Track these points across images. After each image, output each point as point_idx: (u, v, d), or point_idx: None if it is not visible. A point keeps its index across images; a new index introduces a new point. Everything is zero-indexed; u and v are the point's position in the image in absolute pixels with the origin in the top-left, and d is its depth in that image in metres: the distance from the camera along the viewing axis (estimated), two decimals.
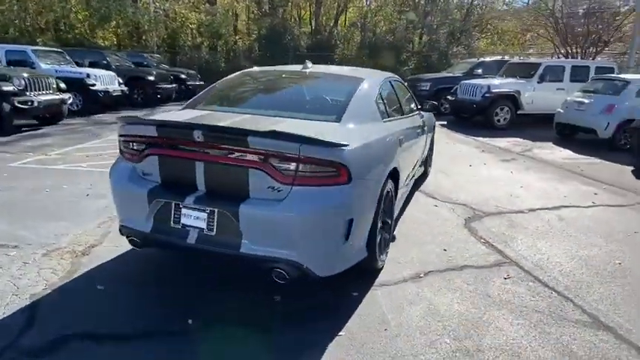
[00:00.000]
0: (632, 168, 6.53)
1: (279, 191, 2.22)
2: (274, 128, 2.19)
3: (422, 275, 2.97)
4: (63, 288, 2.69)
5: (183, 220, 2.37)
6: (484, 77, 11.50)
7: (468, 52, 22.84)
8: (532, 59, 15.44)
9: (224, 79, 3.55)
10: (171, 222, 2.40)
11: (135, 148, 2.56)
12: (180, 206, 2.37)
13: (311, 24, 25.17)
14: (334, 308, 2.56)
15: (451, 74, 13.16)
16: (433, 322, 2.43)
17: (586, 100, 8.41)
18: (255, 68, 4.08)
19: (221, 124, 2.40)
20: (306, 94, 3.26)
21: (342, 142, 2.24)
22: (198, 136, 2.26)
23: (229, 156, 2.27)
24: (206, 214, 2.31)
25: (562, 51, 16.40)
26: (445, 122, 11.01)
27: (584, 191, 5.25)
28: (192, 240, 2.35)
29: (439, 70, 16.48)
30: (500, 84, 10.38)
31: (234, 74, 3.65)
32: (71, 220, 3.79)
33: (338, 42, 23.70)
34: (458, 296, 2.71)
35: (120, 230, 2.68)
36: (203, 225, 2.32)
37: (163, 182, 2.47)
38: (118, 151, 2.74)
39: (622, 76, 8.88)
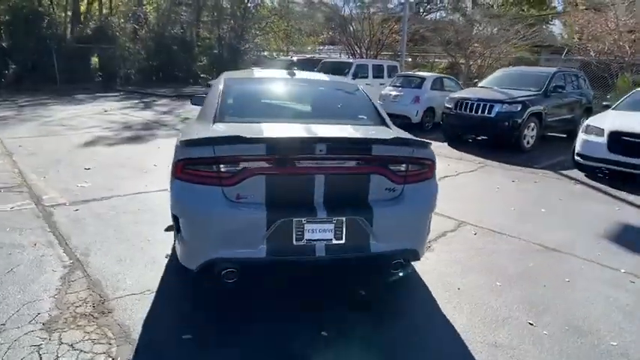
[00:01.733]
0: (446, 143, 8.91)
1: (394, 191, 2.56)
2: (359, 136, 2.52)
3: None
4: None
5: (308, 236, 2.40)
6: None
7: (256, 50, 24.36)
8: (344, 59, 17.87)
9: (224, 87, 3.33)
10: (294, 240, 2.38)
11: (227, 170, 2.36)
12: (303, 222, 2.38)
13: (73, 9, 21.67)
14: None
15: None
16: None
17: (398, 93, 10.73)
18: (236, 74, 3.90)
19: (318, 135, 2.52)
20: (331, 101, 3.48)
21: (430, 142, 2.73)
22: (321, 149, 2.35)
23: (350, 165, 2.45)
24: (333, 225, 2.42)
25: (351, 51, 19.75)
26: None
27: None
28: (322, 252, 2.42)
29: (237, 68, 17.31)
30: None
31: (226, 82, 3.46)
32: None
33: (117, 33, 21.30)
34: None
35: (206, 266, 2.41)
36: (330, 236, 2.43)
37: (271, 202, 2.39)
38: (182, 176, 2.42)
39: (420, 73, 11.70)
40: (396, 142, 2.46)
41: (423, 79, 10.76)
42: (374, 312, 2.74)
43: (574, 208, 5.04)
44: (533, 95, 8.43)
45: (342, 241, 2.44)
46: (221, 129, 2.70)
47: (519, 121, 7.90)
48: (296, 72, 3.74)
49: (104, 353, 2.23)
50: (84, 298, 2.75)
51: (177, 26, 23.05)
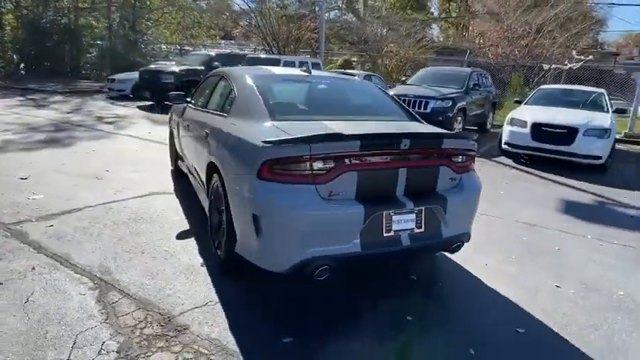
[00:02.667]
0: None
1: (455, 180, 2.83)
2: (430, 131, 2.77)
3: None
4: None
5: (395, 227, 2.54)
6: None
7: (155, 42, 22.76)
8: (274, 55, 17.48)
9: (257, 85, 3.24)
10: (383, 232, 2.51)
11: (320, 167, 2.38)
12: (391, 214, 2.52)
13: None
14: None
15: (191, 66, 13.42)
16: None
17: None
18: (253, 71, 3.76)
19: (387, 131, 2.69)
20: (360, 98, 3.59)
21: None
22: (405, 144, 2.51)
23: (427, 158, 2.66)
24: (414, 215, 2.60)
25: (266, 47, 19.54)
26: None
27: None
28: (407, 242, 2.58)
29: (134, 62, 16.35)
30: None
31: (254, 79, 3.36)
32: None
33: None
34: None
35: (301, 266, 2.41)
36: (412, 225, 2.60)
37: (362, 197, 2.48)
38: (270, 176, 2.38)
39: (350, 71, 12.21)
40: (460, 135, 2.74)
41: (354, 77, 11.29)
42: (434, 292, 2.99)
43: (522, 189, 5.91)
44: (458, 92, 9.48)
45: (422, 230, 2.64)
46: (290, 127, 2.67)
47: (451, 115, 8.83)
48: (311, 70, 3.79)
49: None
50: (143, 318, 2.51)
51: (52, 11, 20.37)
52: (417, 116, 3.50)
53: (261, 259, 2.55)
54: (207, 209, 3.49)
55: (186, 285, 2.90)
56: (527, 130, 7.44)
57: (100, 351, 2.22)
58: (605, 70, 14.89)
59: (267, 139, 2.41)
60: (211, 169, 3.20)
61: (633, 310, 2.92)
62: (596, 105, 8.22)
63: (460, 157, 2.83)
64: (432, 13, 38.93)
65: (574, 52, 11.85)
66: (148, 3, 23.39)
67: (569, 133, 7.07)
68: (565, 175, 6.79)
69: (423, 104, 8.93)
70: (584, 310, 2.88)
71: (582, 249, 3.92)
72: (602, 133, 7.02)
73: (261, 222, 2.44)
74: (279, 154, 2.37)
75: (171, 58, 20.51)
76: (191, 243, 3.57)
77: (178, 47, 24.92)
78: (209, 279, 2.99)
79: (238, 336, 2.39)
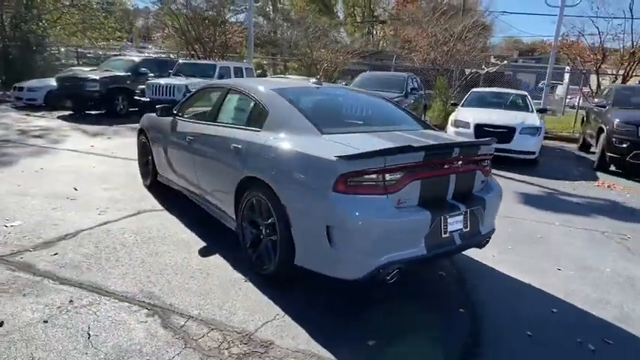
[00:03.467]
0: None
1: (483, 182, 3.22)
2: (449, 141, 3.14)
3: None
4: None
5: (450, 228, 2.83)
6: (160, 76, 12.11)
7: (50, 43, 20.62)
8: (204, 61, 16.77)
9: (288, 99, 3.31)
10: (442, 234, 2.79)
11: (391, 178, 2.59)
12: (447, 217, 2.81)
13: None
14: None
15: (117, 72, 12.59)
16: None
17: None
18: (274, 83, 3.76)
19: (432, 142, 2.99)
20: (379, 110, 3.81)
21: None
22: (456, 152, 2.83)
23: (468, 164, 2.99)
24: (462, 216, 2.92)
25: (190, 52, 18.72)
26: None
27: None
28: (459, 241, 2.89)
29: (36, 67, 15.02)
30: (193, 83, 11.42)
31: (281, 92, 3.43)
32: None
33: None
34: None
35: (377, 272, 2.59)
36: (461, 225, 2.92)
37: (422, 203, 2.73)
38: (345, 189, 2.54)
39: (293, 77, 12.32)
40: (489, 142, 3.11)
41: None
42: (467, 285, 3.35)
43: None
44: (399, 96, 10.16)
45: (468, 229, 2.97)
46: (348, 140, 2.83)
47: None
48: (322, 82, 3.96)
49: None
50: (222, 339, 2.51)
51: None
52: (431, 125, 3.84)
53: (334, 268, 2.68)
54: (234, 225, 3.49)
55: (243, 301, 2.92)
56: (471, 130, 8.27)
57: None
58: (499, 72, 17.01)
59: (342, 154, 2.56)
60: (245, 184, 3.22)
61: (624, 283, 3.56)
62: (521, 106, 9.39)
63: (486, 161, 3.22)
64: (339, 17, 40.56)
65: (492, 58, 13.38)
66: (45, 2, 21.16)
67: (508, 132, 8.02)
68: (506, 169, 7.69)
69: None
70: (590, 287, 3.44)
71: (558, 235, 4.59)
72: (535, 131, 8.09)
73: (336, 233, 2.57)
74: (356, 167, 2.53)
75: (81, 63, 18.84)
76: (218, 259, 3.53)
77: (77, 50, 22.86)
78: (260, 293, 3.02)
79: (325, 344, 2.49)
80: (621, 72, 12.00)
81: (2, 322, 2.54)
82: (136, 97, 11.50)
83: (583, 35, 12.56)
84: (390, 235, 2.59)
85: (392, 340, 2.59)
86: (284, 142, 2.96)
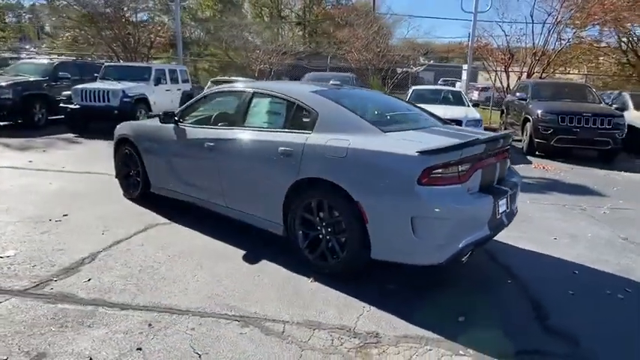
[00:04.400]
0: None
1: (510, 169, 3.64)
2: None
3: None
4: None
5: (500, 210, 3.19)
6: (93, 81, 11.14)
7: None
8: (139, 64, 15.32)
9: (333, 100, 3.39)
10: (496, 215, 3.13)
11: (463, 169, 2.85)
12: (499, 200, 3.16)
13: None
14: None
15: (30, 77, 11.22)
16: None
17: None
18: (310, 87, 3.74)
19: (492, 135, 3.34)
20: (403, 109, 4.00)
21: None
22: (500, 143, 3.19)
23: (503, 153, 3.37)
24: (506, 198, 3.29)
25: (108, 54, 17.05)
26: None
27: None
28: (505, 220, 3.27)
29: None
30: (130, 87, 10.68)
31: (323, 94, 3.50)
32: None
33: None
34: None
35: (459, 254, 2.85)
36: (505, 207, 3.29)
37: (481, 189, 3.04)
38: (428, 181, 2.75)
39: (235, 78, 12.03)
40: (511, 135, 3.54)
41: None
42: (499, 261, 3.76)
43: None
44: None
45: (508, 210, 3.35)
46: (414, 137, 3.05)
47: None
48: (340, 83, 4.10)
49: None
50: (330, 337, 2.56)
51: None
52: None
53: (417, 256, 2.87)
54: (281, 229, 3.49)
55: (323, 300, 2.97)
56: None
57: None
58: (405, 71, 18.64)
59: (422, 150, 2.75)
60: (300, 186, 3.26)
61: (607, 244, 4.25)
62: (459, 101, 10.36)
63: (509, 150, 3.64)
64: (247, 17, 40.32)
65: (421, 58, 14.48)
66: None
67: (455, 125, 8.80)
68: None
69: None
70: (586, 250, 4.06)
71: (535, 211, 5.27)
72: (477, 123, 9.00)
73: (421, 223, 2.77)
74: (437, 161, 2.74)
75: None
76: (269, 265, 3.49)
77: None
78: (333, 290, 3.09)
79: (422, 325, 2.68)
80: (525, 69, 13.82)
81: (90, 358, 2.31)
82: (61, 105, 10.33)
83: (493, 37, 14.21)
84: (468, 220, 2.85)
85: (476, 314, 2.85)
86: (352, 143, 3.04)
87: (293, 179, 3.28)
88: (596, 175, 7.61)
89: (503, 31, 13.75)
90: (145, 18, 21.69)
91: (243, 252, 3.71)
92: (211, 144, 3.90)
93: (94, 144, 8.98)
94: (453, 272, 3.46)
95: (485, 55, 14.39)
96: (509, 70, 13.91)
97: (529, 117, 9.26)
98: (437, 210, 2.75)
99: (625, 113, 9.22)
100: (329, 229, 3.22)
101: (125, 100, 10.27)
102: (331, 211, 3.16)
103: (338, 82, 4.22)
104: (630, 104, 10.28)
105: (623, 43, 13.01)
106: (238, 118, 3.90)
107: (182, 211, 4.54)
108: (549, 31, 12.95)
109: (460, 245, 2.84)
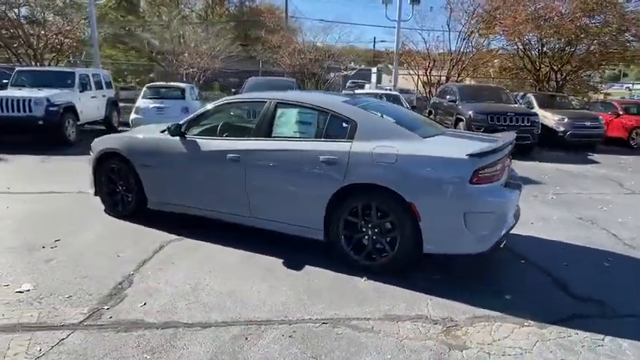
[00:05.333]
0: None
1: (513, 170, 4.22)
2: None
3: None
4: None
5: (516, 202, 3.73)
6: None
7: None
8: (59, 68, 13.39)
9: (368, 113, 3.64)
10: (515, 207, 3.67)
11: (499, 167, 3.33)
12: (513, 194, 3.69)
13: None
14: None
15: None
16: None
17: (161, 105, 10.45)
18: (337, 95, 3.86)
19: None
20: (415, 116, 4.36)
21: None
22: (513, 144, 3.75)
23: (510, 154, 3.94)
24: (519, 192, 3.81)
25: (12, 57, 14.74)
26: None
27: None
28: (518, 213, 3.82)
29: None
30: (54, 95, 9.70)
31: (353, 101, 3.73)
32: None
33: None
34: None
35: (499, 242, 3.32)
36: (517, 201, 3.83)
37: (505, 184, 3.55)
38: (478, 180, 3.17)
39: (174, 83, 11.46)
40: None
41: (182, 89, 10.93)
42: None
43: None
44: None
45: (518, 203, 3.92)
46: (445, 142, 3.49)
47: None
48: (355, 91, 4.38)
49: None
50: (423, 328, 2.85)
51: None
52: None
53: (467, 247, 3.27)
54: (321, 234, 3.67)
55: (398, 294, 3.22)
56: None
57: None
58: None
59: (471, 153, 3.16)
60: (345, 192, 3.48)
61: (572, 222, 5.11)
62: (398, 104, 11.15)
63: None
64: (144, 17, 38.18)
65: (352, 63, 15.20)
66: None
67: None
68: None
69: None
70: (560, 230, 4.85)
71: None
72: None
73: (472, 217, 3.18)
74: (483, 162, 3.17)
75: None
76: (315, 269, 3.61)
77: None
78: (390, 285, 3.36)
79: (481, 306, 3.09)
80: (442, 73, 15.32)
81: None
82: None
83: (413, 43, 15.50)
84: (506, 212, 3.34)
85: (515, 292, 3.34)
86: (400, 149, 3.33)
87: (338, 186, 3.48)
88: (528, 167, 8.84)
89: (423, 38, 15.08)
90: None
91: (280, 260, 3.79)
92: (236, 155, 3.91)
93: (21, 160, 8.02)
94: (472, 260, 3.93)
95: (408, 60, 15.63)
96: (430, 74, 15.31)
97: (462, 117, 10.37)
98: (485, 205, 3.19)
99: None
100: (376, 230, 3.48)
101: (51, 109, 9.31)
102: (379, 213, 3.43)
103: (351, 91, 4.49)
104: (535, 104, 12.02)
105: (520, 51, 15.13)
106: (263, 128, 3.94)
107: (183, 226, 4.43)
108: (462, 40, 14.56)
109: (501, 234, 3.31)
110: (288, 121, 4.04)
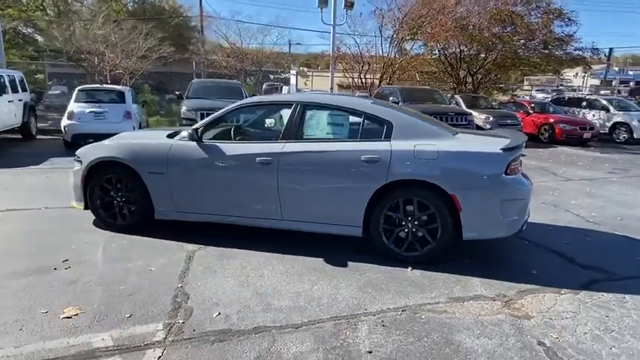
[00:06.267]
0: None
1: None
2: None
3: None
4: None
5: None
6: None
7: None
8: None
9: (402, 114, 3.90)
10: None
11: (520, 160, 3.84)
12: None
13: None
14: None
15: None
16: None
17: (99, 110, 9.67)
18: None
19: None
20: (428, 117, 4.69)
21: None
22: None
23: None
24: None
25: None
26: None
27: None
28: None
29: None
30: None
31: (383, 102, 3.95)
32: None
33: None
34: None
35: (524, 224, 3.82)
36: None
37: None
38: (509, 171, 3.64)
39: (113, 86, 10.54)
40: None
41: (121, 92, 10.21)
42: None
43: None
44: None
45: None
46: (473, 139, 3.91)
47: None
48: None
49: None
50: (479, 306, 3.21)
51: None
52: None
53: (501, 231, 3.71)
54: (359, 231, 3.88)
55: (451, 281, 3.55)
56: None
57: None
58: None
59: (504, 147, 3.61)
60: (388, 189, 3.73)
61: (544, 209, 5.90)
62: None
63: None
64: (25, 11, 34.48)
65: (292, 65, 15.27)
66: None
67: None
68: None
69: None
70: (537, 215, 5.59)
71: None
72: None
73: (507, 205, 3.63)
74: (514, 155, 3.64)
75: None
76: (360, 265, 3.79)
77: None
78: (438, 272, 3.69)
79: (518, 281, 3.56)
80: (371, 76, 16.21)
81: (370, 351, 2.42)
82: None
83: (348, 48, 16.17)
84: (529, 198, 3.84)
85: (538, 267, 3.87)
86: (439, 146, 3.67)
87: (381, 183, 3.72)
88: None
89: (356, 42, 15.81)
90: None
91: (319, 259, 3.91)
92: (267, 159, 3.93)
93: None
94: (485, 244, 4.43)
95: (343, 63, 16.25)
96: (366, 77, 16.10)
97: None
98: (516, 193, 3.66)
99: None
100: (416, 223, 3.78)
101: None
102: (420, 206, 3.73)
103: (364, 94, 4.72)
104: (463, 104, 13.35)
105: (442, 56, 16.64)
106: (292, 130, 4.01)
107: (195, 235, 4.36)
108: (391, 45, 15.56)
109: (525, 217, 3.81)
110: (318, 122, 4.16)
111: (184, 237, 4.31)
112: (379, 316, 2.99)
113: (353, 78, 16.30)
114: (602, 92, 27.56)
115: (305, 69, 27.19)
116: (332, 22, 14.41)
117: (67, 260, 3.78)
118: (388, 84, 15.54)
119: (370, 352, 2.58)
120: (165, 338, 2.67)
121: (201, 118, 9.45)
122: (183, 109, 9.84)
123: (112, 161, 4.38)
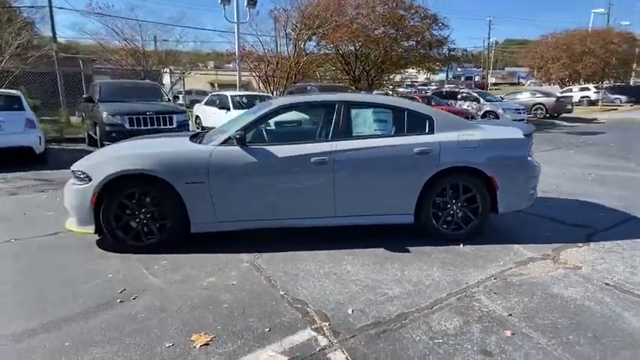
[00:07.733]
0: None
1: None
2: None
3: None
4: None
5: None
6: None
7: None
8: None
9: (438, 110, 4.29)
10: None
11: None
12: None
13: None
14: None
15: None
16: None
17: None
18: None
19: None
20: None
21: None
22: None
23: None
24: None
25: None
26: None
27: None
28: None
29: None
30: None
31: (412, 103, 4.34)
32: None
33: None
34: None
35: (535, 197, 4.65)
36: None
37: None
38: (528, 153, 4.40)
39: (6, 91, 8.65)
40: None
41: (15, 97, 8.65)
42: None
43: None
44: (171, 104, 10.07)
45: None
46: (492, 128, 4.53)
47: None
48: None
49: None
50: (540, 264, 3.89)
51: None
52: None
53: (525, 203, 4.43)
54: (410, 218, 4.27)
55: (502, 249, 4.13)
56: None
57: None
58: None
59: (525, 133, 4.34)
60: (438, 177, 4.18)
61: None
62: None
63: None
64: None
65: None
66: None
67: None
68: None
69: (168, 120, 9.08)
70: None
71: None
72: None
73: (530, 181, 4.38)
74: (531, 140, 4.41)
75: None
76: (417, 247, 4.16)
77: None
78: (487, 245, 4.27)
79: (549, 241, 4.36)
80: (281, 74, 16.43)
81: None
82: None
83: (252, 46, 16.00)
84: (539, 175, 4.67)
85: (547, 230, 4.72)
86: (477, 135, 4.23)
87: (433, 172, 4.14)
88: None
89: (260, 41, 15.80)
90: None
91: (380, 249, 4.15)
92: (322, 158, 4.03)
93: None
94: (501, 218, 5.18)
95: (248, 61, 16.03)
96: (274, 75, 16.18)
97: None
98: (535, 170, 4.43)
99: None
100: (459, 204, 4.31)
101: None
102: (464, 189, 4.27)
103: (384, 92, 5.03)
104: None
105: (339, 55, 17.65)
106: (342, 129, 4.16)
107: (228, 244, 4.27)
108: (294, 45, 15.95)
109: (537, 192, 4.63)
110: (364, 120, 4.37)
111: (224, 248, 4.12)
112: (482, 286, 3.42)
113: (259, 76, 16.28)
114: (446, 86, 32.46)
115: (172, 67, 25.86)
116: (236, 20, 14.20)
117: (124, 290, 3.35)
118: (293, 83, 15.93)
119: (510, 315, 2.99)
120: (331, 341, 2.69)
121: (131, 123, 8.73)
122: (104, 114, 8.75)
123: (136, 174, 3.94)
